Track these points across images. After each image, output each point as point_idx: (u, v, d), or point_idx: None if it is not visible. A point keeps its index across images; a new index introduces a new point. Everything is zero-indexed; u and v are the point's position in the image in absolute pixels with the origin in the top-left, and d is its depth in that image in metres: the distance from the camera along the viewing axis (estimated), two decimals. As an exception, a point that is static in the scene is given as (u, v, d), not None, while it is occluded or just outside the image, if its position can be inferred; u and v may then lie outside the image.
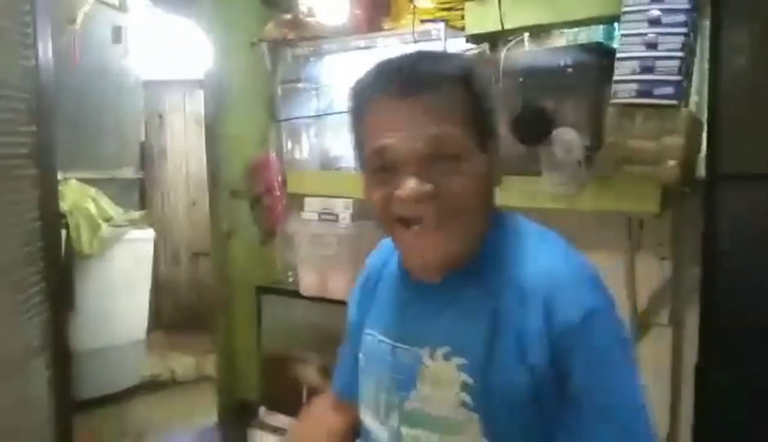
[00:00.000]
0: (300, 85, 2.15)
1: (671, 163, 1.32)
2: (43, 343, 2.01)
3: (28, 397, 1.93)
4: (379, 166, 0.81)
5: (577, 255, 0.86)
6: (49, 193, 2.08)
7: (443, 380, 0.82)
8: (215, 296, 2.83)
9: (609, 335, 0.79)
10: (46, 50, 2.03)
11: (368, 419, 0.93)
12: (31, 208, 1.97)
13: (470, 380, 0.80)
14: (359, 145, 0.87)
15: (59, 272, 2.22)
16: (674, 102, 1.33)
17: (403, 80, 0.80)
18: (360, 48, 2.01)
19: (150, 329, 3.59)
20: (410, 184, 0.78)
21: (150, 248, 3.45)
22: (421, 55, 0.86)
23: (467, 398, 0.80)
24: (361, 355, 0.96)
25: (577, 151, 1.45)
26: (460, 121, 0.80)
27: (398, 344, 0.88)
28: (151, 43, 3.97)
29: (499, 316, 0.80)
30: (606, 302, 0.81)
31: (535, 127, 1.40)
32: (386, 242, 1.00)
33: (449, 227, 0.80)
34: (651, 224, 1.66)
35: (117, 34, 3.40)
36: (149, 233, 3.44)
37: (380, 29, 1.95)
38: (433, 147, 0.78)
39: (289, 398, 1.96)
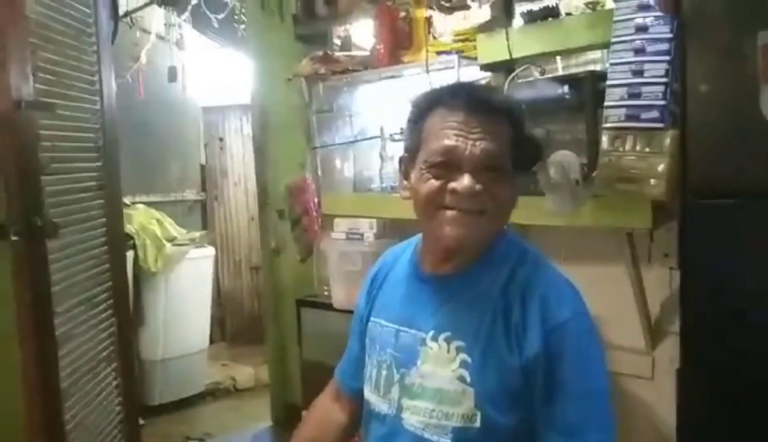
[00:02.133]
0: (332, 113, 2.33)
1: (657, 181, 1.41)
2: (111, 354, 2.26)
3: (101, 400, 2.18)
4: (439, 161, 0.98)
5: (561, 272, 1.05)
6: (114, 219, 2.34)
7: (443, 358, 0.99)
8: (266, 310, 3.06)
9: (587, 335, 0.97)
10: (110, 94, 2.30)
11: (368, 393, 1.09)
12: (100, 233, 2.23)
13: (468, 359, 0.97)
14: (416, 144, 1.03)
15: (125, 291, 2.48)
16: (660, 125, 1.42)
17: (474, 99, 0.99)
18: (384, 78, 2.18)
19: (213, 340, 3.86)
20: (466, 181, 0.97)
21: (210, 265, 3.70)
22: (486, 86, 1.10)
23: (465, 374, 0.97)
24: (368, 340, 1.13)
25: (574, 171, 1.56)
26: (507, 145, 0.99)
27: (402, 328, 1.05)
28: (209, 71, 4.28)
29: (500, 309, 0.98)
30: (584, 311, 0.99)
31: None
32: (392, 250, 1.21)
33: (483, 219, 0.99)
34: (659, 236, 1.75)
35: (173, 73, 3.70)
36: (210, 251, 3.69)
37: (400, 62, 2.12)
38: (487, 157, 0.97)
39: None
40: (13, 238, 1.71)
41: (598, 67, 1.72)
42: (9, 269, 1.76)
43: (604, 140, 1.51)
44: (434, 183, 0.98)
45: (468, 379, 0.96)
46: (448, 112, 0.99)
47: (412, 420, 1.00)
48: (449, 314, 1.01)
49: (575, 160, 1.54)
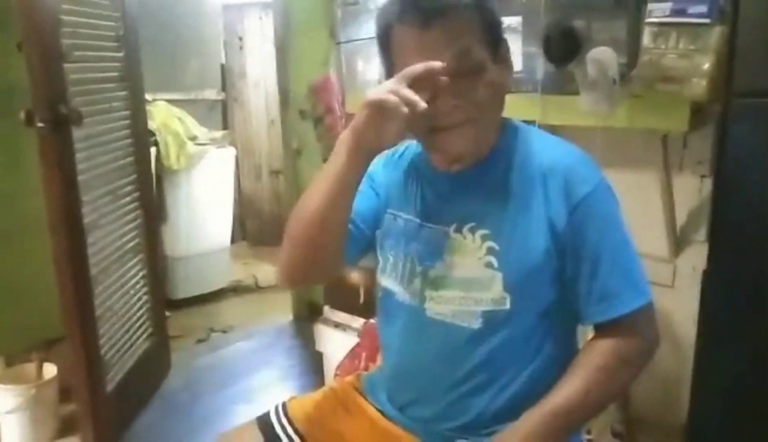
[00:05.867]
0: (358, 6, 2.24)
1: (699, 80, 1.35)
2: (137, 245, 2.32)
3: (128, 289, 2.25)
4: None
5: (572, 145, 1.05)
6: (137, 112, 2.33)
7: (469, 247, 1.00)
8: (288, 210, 3.08)
9: (610, 201, 0.99)
10: (129, -19, 2.23)
11: (389, 282, 1.10)
12: (123, 126, 2.23)
13: (495, 246, 0.98)
14: (388, 66, 1.00)
15: (150, 184, 2.51)
16: (707, 21, 1.34)
17: (422, 9, 0.92)
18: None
19: (234, 240, 3.92)
20: (441, 99, 0.93)
21: (232, 165, 3.71)
22: None
23: (492, 260, 0.98)
24: (380, 232, 1.12)
25: (612, 70, 1.49)
26: (475, 38, 0.94)
27: (426, 224, 1.06)
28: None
29: (523, 194, 0.99)
30: (602, 177, 1.00)
31: (562, 47, 1.46)
32: (395, 148, 1.15)
33: (472, 129, 0.97)
34: (693, 142, 1.70)
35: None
36: (231, 152, 3.69)
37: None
38: (457, 63, 0.91)
39: (348, 298, 2.21)
40: (39, 125, 1.71)
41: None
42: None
43: (646, 37, 1.43)
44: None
45: (495, 264, 0.98)
46: (404, 31, 0.94)
47: (437, 309, 1.02)
48: (470, 206, 1.02)
49: (614, 58, 1.48)
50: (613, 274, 0.95)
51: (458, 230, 1.01)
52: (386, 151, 1.15)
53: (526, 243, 0.97)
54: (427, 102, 0.91)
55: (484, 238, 0.99)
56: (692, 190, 1.76)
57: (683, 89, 1.38)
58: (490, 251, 0.98)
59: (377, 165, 1.16)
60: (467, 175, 1.03)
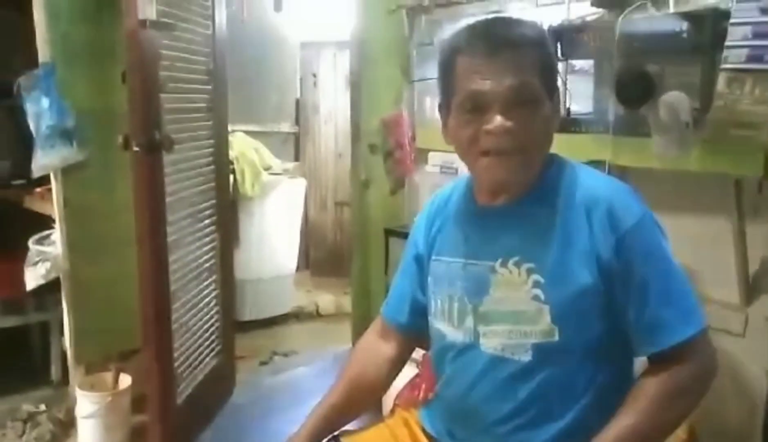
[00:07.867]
0: (431, 47, 2.33)
1: (776, 127, 1.35)
2: (212, 266, 2.44)
3: (202, 307, 2.37)
4: (470, 107, 1.00)
5: (615, 179, 1.09)
6: (221, 141, 2.48)
7: (515, 281, 1.03)
8: (353, 240, 3.17)
9: (657, 232, 1.01)
10: (221, 22, 2.40)
11: (442, 326, 1.13)
12: (207, 154, 2.38)
13: (541, 279, 1.01)
14: (448, 92, 1.06)
15: (227, 209, 2.64)
16: (784, 68, 1.35)
17: (491, 40, 1.00)
18: (489, 13, 2.15)
19: (297, 268, 4.04)
20: (497, 121, 0.98)
21: (301, 196, 3.85)
22: (504, 19, 1.11)
23: (539, 293, 1.00)
24: (430, 279, 1.17)
25: (685, 113, 1.51)
26: (535, 74, 1.00)
27: (469, 261, 1.09)
28: (308, 7, 4.32)
29: (568, 227, 1.01)
30: (648, 209, 1.02)
31: (635, 91, 1.48)
32: (440, 193, 1.23)
33: (521, 157, 1.01)
34: (768, 188, 1.67)
35: (278, 2, 3.76)
36: (302, 183, 3.83)
37: (508, -4, 2.08)
38: (514, 93, 0.98)
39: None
40: (135, 149, 1.86)
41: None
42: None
43: (721, 82, 1.45)
44: (469, 130, 1.00)
45: (542, 297, 1.00)
46: (470, 57, 1.00)
47: (491, 344, 1.05)
48: (514, 241, 1.04)
49: (687, 102, 1.50)
50: (663, 304, 0.96)
51: (504, 265, 1.04)
52: (427, 201, 1.24)
53: (572, 276, 0.99)
54: (483, 123, 0.99)
55: (529, 271, 1.01)
56: (767, 236, 1.73)
57: (759, 135, 1.39)
58: (536, 284, 1.01)
59: (419, 223, 1.24)
60: (511, 209, 1.07)
